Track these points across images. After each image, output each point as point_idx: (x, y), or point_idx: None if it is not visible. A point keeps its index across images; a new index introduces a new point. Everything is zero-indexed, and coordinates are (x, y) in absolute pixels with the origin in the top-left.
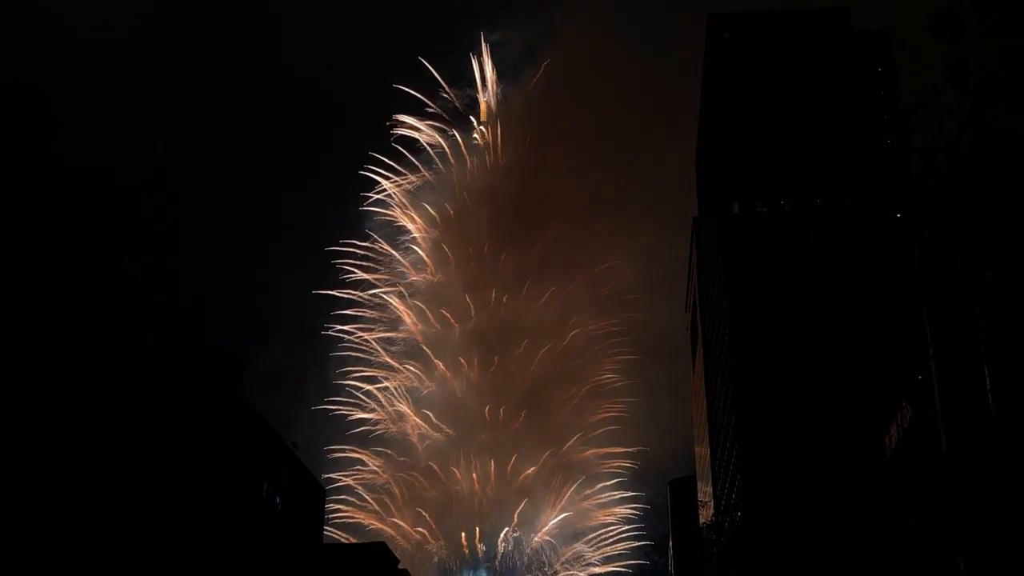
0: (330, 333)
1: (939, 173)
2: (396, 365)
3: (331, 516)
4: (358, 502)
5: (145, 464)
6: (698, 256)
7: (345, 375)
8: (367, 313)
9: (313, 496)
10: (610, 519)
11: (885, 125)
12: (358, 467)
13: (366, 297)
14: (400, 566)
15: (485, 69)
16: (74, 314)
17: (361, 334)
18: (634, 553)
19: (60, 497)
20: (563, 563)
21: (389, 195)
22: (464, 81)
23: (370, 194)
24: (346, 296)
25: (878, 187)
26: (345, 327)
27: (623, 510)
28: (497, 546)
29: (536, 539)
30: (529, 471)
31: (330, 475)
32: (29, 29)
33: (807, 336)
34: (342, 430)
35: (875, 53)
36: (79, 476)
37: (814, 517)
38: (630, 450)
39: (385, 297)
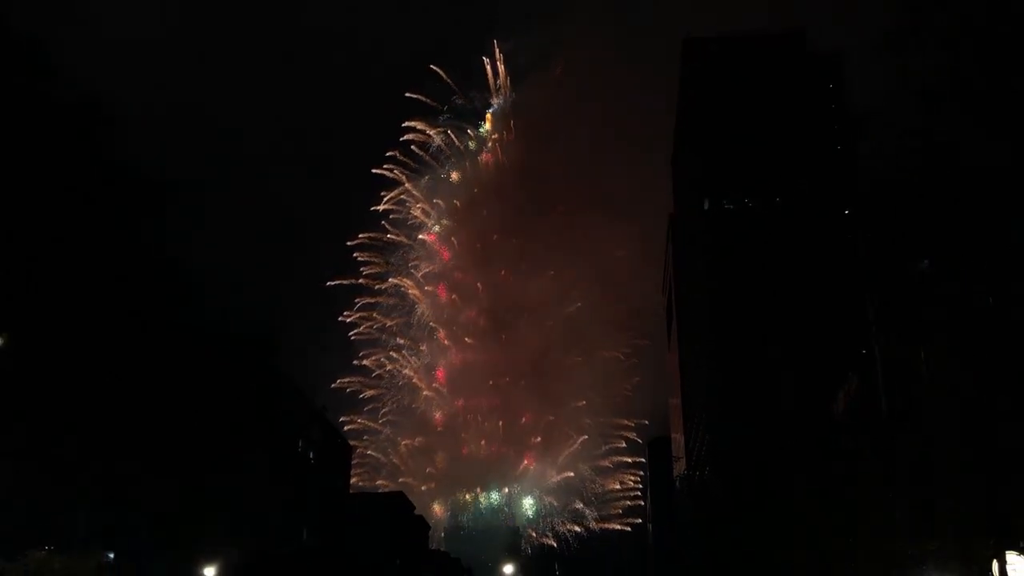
0: (350, 320)
1: (884, 175)
2: (410, 343)
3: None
4: (372, 463)
5: (199, 425)
6: (673, 246)
7: (364, 356)
8: (386, 300)
9: (341, 451)
10: (608, 481)
11: (835, 133)
12: (372, 436)
13: (384, 285)
14: (415, 512)
15: (497, 74)
16: (133, 296)
17: (380, 318)
18: (627, 512)
19: (130, 455)
20: (561, 518)
21: (406, 192)
22: (479, 85)
23: (389, 192)
24: (365, 284)
25: (829, 187)
26: (364, 312)
27: (621, 474)
28: (500, 500)
29: (536, 496)
30: (531, 434)
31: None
32: (76, 27)
33: (768, 316)
34: (361, 404)
35: (827, 71)
36: (151, 435)
37: (772, 469)
38: (627, 422)
39: (400, 283)
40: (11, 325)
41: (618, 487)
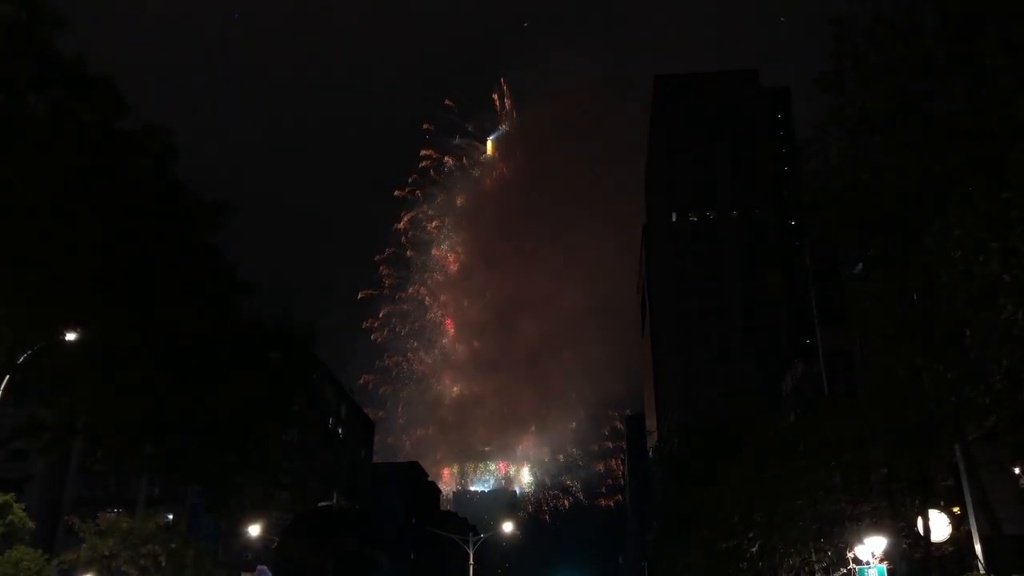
0: (375, 325)
1: (824, 190)
2: (424, 342)
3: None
4: (391, 446)
5: (246, 404)
6: (646, 252)
7: (386, 356)
8: (404, 307)
9: (365, 429)
10: (595, 463)
11: (783, 156)
12: (391, 423)
13: (405, 294)
14: (428, 479)
15: (504, 105)
16: (192, 298)
17: (398, 322)
18: (610, 490)
19: (186, 431)
20: (553, 491)
21: (422, 211)
22: (487, 114)
23: (409, 211)
24: (387, 294)
25: (778, 202)
26: (385, 318)
27: (606, 458)
28: (498, 473)
29: (532, 471)
30: (529, 418)
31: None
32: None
33: (726, 311)
34: (382, 397)
35: (776, 103)
36: (204, 413)
37: (728, 438)
38: (611, 412)
39: (416, 291)
40: (87, 321)
41: (602, 468)
